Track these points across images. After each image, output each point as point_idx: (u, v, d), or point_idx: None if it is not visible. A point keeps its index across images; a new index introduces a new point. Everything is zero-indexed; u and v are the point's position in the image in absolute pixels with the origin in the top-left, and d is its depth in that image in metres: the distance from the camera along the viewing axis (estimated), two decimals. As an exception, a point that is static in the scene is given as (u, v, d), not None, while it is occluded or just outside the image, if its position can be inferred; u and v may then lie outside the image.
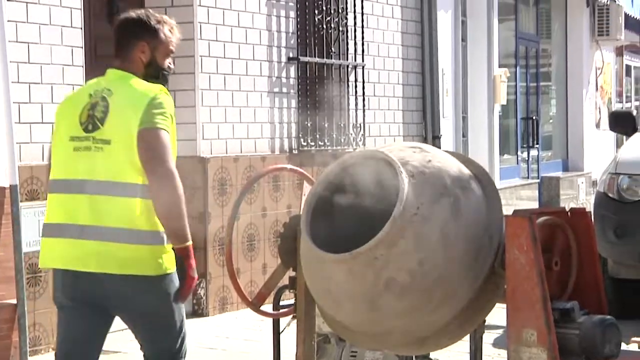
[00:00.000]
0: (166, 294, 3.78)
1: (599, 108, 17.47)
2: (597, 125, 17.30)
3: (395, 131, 10.20)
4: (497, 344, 6.63)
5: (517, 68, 14.98)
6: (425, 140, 10.52)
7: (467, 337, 3.77)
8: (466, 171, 3.57)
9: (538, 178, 15.06)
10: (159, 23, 3.99)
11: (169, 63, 4.03)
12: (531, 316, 3.30)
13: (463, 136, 12.57)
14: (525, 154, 15.19)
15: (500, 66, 13.46)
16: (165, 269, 3.76)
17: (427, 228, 3.26)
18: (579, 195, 15.38)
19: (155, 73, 3.98)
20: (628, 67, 20.19)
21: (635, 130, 8.53)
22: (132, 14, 4.04)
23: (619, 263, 7.58)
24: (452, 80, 11.79)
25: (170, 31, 4.01)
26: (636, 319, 7.52)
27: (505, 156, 14.53)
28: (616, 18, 16.68)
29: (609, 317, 3.42)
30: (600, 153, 16.67)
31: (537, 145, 15.43)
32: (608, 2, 16.75)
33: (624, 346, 4.34)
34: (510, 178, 14.41)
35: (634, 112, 9.35)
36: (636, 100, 21.04)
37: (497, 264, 3.48)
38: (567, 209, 3.69)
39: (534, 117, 15.36)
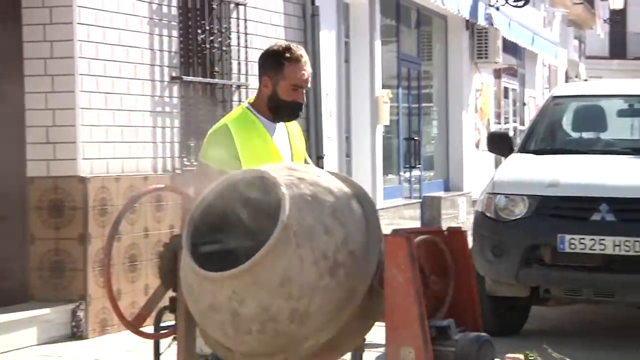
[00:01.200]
0: None
1: (479, 129, 17.86)
2: (477, 146, 17.68)
3: (279, 151, 10.22)
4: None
5: (400, 89, 15.21)
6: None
7: (348, 356, 3.80)
8: (346, 191, 3.60)
9: (420, 198, 15.29)
10: (286, 58, 4.15)
11: (296, 97, 4.18)
12: (409, 334, 3.35)
13: (347, 156, 12.69)
14: (407, 174, 15.41)
15: (383, 87, 13.65)
16: None
17: (305, 250, 3.28)
18: (459, 215, 15.67)
19: (276, 106, 4.19)
20: (506, 89, 20.68)
21: (511, 151, 8.74)
22: (271, 46, 4.27)
23: (496, 281, 7.74)
24: (335, 101, 11.90)
25: (296, 66, 4.15)
26: (512, 336, 7.70)
27: (389, 176, 14.72)
28: (494, 41, 17.11)
29: (484, 334, 3.49)
30: (480, 173, 17.03)
31: (419, 165, 15.68)
32: (487, 26, 17.17)
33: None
34: (393, 198, 14.60)
35: (511, 134, 9.60)
36: (514, 121, 21.56)
37: (376, 282, 3.52)
38: (446, 229, 3.76)
39: (416, 138, 15.61)
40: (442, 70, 17.15)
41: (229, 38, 9.41)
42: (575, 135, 9.43)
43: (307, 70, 4.20)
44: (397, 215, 14.06)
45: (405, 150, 15.42)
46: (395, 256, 3.39)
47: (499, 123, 19.96)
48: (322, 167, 9.85)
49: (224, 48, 9.36)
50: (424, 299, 3.39)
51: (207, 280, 3.31)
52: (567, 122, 9.53)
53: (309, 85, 4.28)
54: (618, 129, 9.53)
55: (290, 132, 4.34)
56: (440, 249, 3.61)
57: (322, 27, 11.01)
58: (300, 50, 4.22)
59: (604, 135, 9.18)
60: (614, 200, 7.46)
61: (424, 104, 16.61)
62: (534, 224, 7.60)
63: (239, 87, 9.54)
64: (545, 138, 9.11)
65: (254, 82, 9.73)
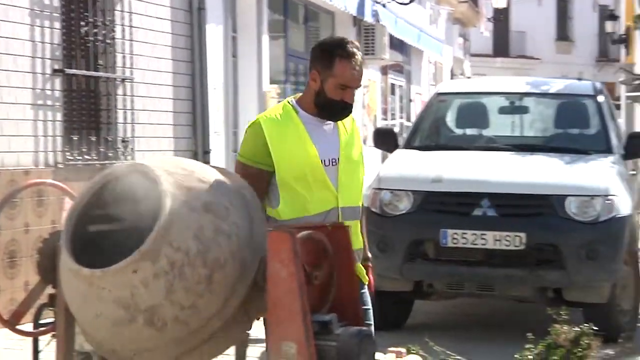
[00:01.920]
0: None
1: (366, 125, 18.01)
2: (364, 142, 17.82)
3: (165, 146, 10.13)
4: (263, 358, 6.68)
5: (288, 85, 15.21)
6: (195, 155, 10.50)
7: (232, 352, 3.78)
8: (231, 187, 3.59)
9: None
10: (338, 54, 3.95)
11: (344, 96, 3.98)
12: (291, 329, 3.35)
13: (234, 151, 12.64)
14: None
15: (271, 83, 13.63)
16: None
17: (184, 248, 3.25)
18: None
19: (322, 104, 4.01)
20: (393, 86, 20.90)
21: (396, 146, 8.84)
22: (325, 38, 4.17)
23: (380, 276, 7.80)
24: (223, 96, 11.83)
25: (347, 64, 3.95)
26: (395, 330, 7.80)
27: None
28: (381, 38, 17.26)
29: (365, 328, 3.52)
30: (367, 169, 17.15)
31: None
32: (373, 23, 17.31)
33: (382, 356, 4.49)
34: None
35: (396, 130, 9.71)
36: (401, 117, 21.80)
37: (259, 278, 3.51)
38: (329, 224, 3.78)
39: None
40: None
41: (113, 31, 9.27)
42: (458, 131, 9.60)
43: (359, 70, 3.97)
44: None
45: (293, 146, 15.42)
46: (278, 251, 3.39)
47: (386, 119, 20.16)
48: (209, 162, 9.80)
49: (108, 41, 9.21)
50: (306, 294, 3.40)
51: (82, 276, 3.26)
52: (450, 119, 9.69)
53: (360, 84, 4.03)
54: (500, 125, 9.73)
55: (341, 132, 4.11)
56: (322, 244, 3.63)
57: (208, 21, 10.94)
58: (354, 48, 3.99)
59: (486, 132, 9.36)
60: (495, 195, 7.61)
61: (312, 100, 16.65)
62: (417, 219, 7.71)
63: (123, 80, 9.41)
64: (430, 134, 9.25)
65: (138, 75, 9.63)
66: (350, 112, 4.08)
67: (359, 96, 17.55)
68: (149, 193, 3.37)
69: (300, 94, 4.13)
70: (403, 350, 4.84)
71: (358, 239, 4.16)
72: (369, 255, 4.25)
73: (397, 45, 19.87)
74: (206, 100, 10.87)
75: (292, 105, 4.05)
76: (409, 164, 8.30)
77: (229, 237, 3.40)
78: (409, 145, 8.90)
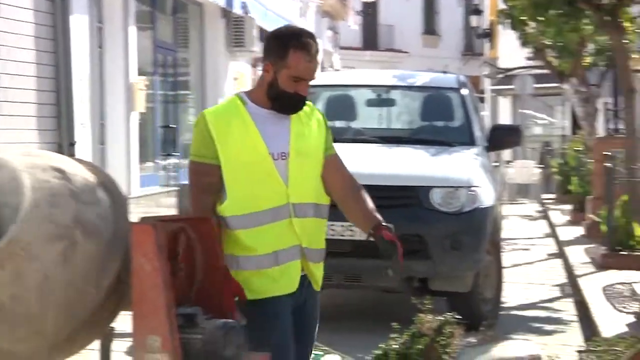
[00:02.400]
0: None
1: (235, 117, 17.95)
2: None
3: (30, 138, 9.90)
4: (130, 352, 6.60)
5: (156, 76, 15.06)
6: (60, 148, 10.30)
7: (97, 346, 3.74)
8: (93, 179, 3.54)
9: (177, 186, 15.21)
10: (292, 45, 3.80)
11: (298, 89, 3.81)
12: (156, 323, 3.33)
13: (101, 144, 12.45)
14: (164, 162, 15.29)
15: (139, 74, 13.47)
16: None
17: (42, 241, 3.20)
18: (216, 202, 15.72)
19: (275, 96, 3.84)
20: (263, 78, 20.91)
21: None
22: (279, 27, 3.95)
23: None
24: (89, 87, 11.63)
25: (302, 55, 3.79)
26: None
27: (145, 164, 14.56)
28: (250, 30, 17.24)
29: (231, 320, 3.52)
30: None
31: (176, 153, 15.60)
32: (242, 15, 17.28)
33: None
34: (150, 185, 14.45)
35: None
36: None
37: (123, 272, 3.47)
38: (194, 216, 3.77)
39: (172, 125, 15.53)
40: (198, 58, 17.12)
41: (-26, 20, 9.01)
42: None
43: (314, 61, 3.81)
44: (154, 204, 13.93)
45: (162, 138, 15.30)
46: (142, 245, 3.36)
47: (256, 111, 20.14)
48: (74, 155, 9.63)
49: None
50: (172, 287, 3.38)
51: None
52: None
53: (314, 77, 3.85)
54: (367, 118, 9.83)
55: (294, 124, 3.90)
56: (187, 236, 3.61)
57: (73, 11, 10.72)
58: (309, 38, 3.83)
59: (353, 124, 9.45)
60: (364, 188, 7.68)
61: (180, 92, 16.54)
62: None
63: (-16, 71, 9.16)
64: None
65: (1, 65, 9.37)
66: (304, 104, 3.90)
67: (229, 88, 17.50)
68: (8, 187, 3.30)
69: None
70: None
71: (319, 238, 4.06)
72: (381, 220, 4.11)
73: (267, 37, 19.85)
74: (71, 92, 10.66)
75: (240, 98, 3.90)
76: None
77: (92, 231, 3.35)
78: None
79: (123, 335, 4.10)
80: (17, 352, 3.28)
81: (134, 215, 3.69)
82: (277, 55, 3.80)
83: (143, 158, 14.22)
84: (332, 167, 4.03)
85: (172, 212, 13.91)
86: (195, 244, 3.63)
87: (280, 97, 3.82)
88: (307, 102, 3.95)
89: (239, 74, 18.17)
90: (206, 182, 3.81)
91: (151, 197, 14.00)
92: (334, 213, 7.55)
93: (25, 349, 3.28)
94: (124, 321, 3.61)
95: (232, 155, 3.80)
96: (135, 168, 13.37)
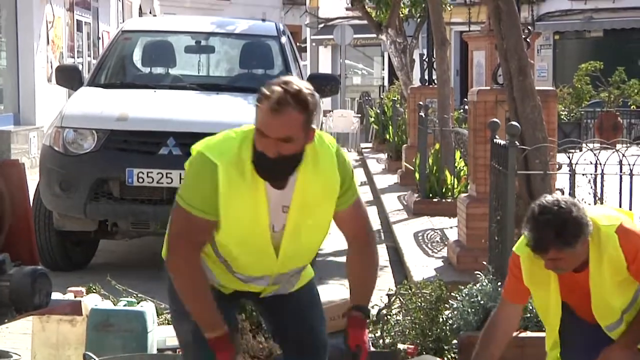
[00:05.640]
0: None
1: (51, 62, 17.47)
2: (49, 80, 17.29)
3: None
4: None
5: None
6: None
7: None
8: None
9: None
10: (263, 99, 3.18)
11: (266, 150, 3.14)
12: (-40, 271, 3.24)
13: None
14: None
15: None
16: None
17: None
18: (30, 150, 15.30)
19: (253, 156, 3.22)
20: (79, 22, 20.36)
21: (81, 84, 8.65)
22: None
23: (64, 216, 7.68)
24: None
25: (265, 112, 3.15)
26: (78, 270, 7.71)
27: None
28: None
29: (40, 267, 3.46)
30: (53, 107, 16.69)
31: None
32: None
33: (59, 296, 4.42)
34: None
35: (80, 67, 9.49)
36: (88, 56, 21.30)
37: None
38: (0, 161, 3.66)
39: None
40: (11, 1, 16.50)
41: None
42: (145, 70, 9.52)
43: (283, 119, 3.12)
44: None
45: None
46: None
47: (73, 57, 19.63)
48: None
49: None
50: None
51: None
52: (137, 57, 9.59)
53: (282, 136, 3.13)
54: (186, 65, 9.76)
55: (297, 190, 3.23)
56: (-6, 182, 3.51)
57: None
58: (290, 94, 3.14)
59: (172, 71, 9.36)
60: (180, 134, 7.64)
61: (-8, 35, 15.93)
62: (102, 158, 7.61)
63: None
64: (116, 72, 9.11)
65: None
66: (288, 172, 3.19)
67: (43, 32, 16.97)
68: None
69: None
70: (83, 289, 4.79)
71: (302, 279, 3.56)
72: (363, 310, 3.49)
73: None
74: None
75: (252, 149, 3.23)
76: (93, 102, 8.15)
77: None
78: (93, 82, 8.73)
79: None
80: None
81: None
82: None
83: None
84: (347, 218, 3.41)
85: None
86: (3, 189, 3.53)
87: (255, 158, 3.22)
88: (327, 142, 3.32)
89: (54, 17, 17.63)
90: (201, 241, 3.29)
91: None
92: (152, 161, 7.54)
93: None
94: None
95: (231, 222, 3.24)
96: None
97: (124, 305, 4.77)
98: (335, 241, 9.53)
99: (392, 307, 5.21)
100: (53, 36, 17.66)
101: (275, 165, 3.14)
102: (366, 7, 17.75)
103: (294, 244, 3.30)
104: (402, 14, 17.85)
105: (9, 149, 14.60)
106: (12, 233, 3.55)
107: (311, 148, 3.22)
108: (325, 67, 33.82)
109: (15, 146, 14.85)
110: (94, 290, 5.06)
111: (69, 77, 8.87)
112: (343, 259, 8.86)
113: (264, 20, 10.35)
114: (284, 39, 9.36)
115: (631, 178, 5.73)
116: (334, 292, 5.38)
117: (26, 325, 4.46)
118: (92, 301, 4.72)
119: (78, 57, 20.18)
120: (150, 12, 27.32)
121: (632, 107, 21.41)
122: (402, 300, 5.25)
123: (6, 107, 16.40)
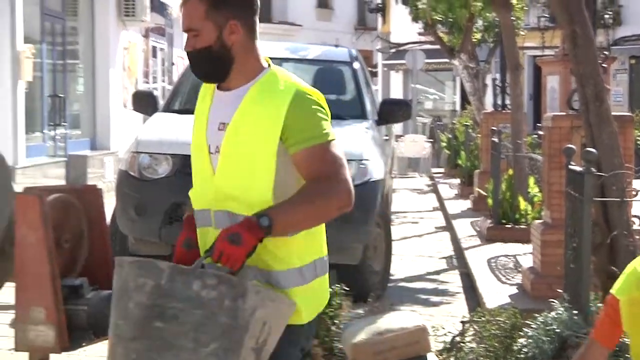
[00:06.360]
0: None
1: (127, 88, 17.74)
2: (125, 105, 17.57)
3: None
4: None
5: (44, 45, 14.75)
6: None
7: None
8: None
9: (66, 156, 14.99)
10: None
11: (185, 47, 3.09)
12: (39, 294, 3.29)
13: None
14: (52, 132, 15.03)
15: (25, 42, 13.17)
16: None
17: None
18: (105, 174, 15.53)
19: None
20: (154, 48, 20.67)
21: (156, 110, 8.75)
22: None
23: (139, 240, 7.76)
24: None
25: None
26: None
27: (33, 134, 14.28)
28: (141, 0, 17.02)
29: (116, 291, 3.49)
30: (128, 132, 16.95)
31: (65, 124, 15.34)
32: (134, -16, 17.04)
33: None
34: (37, 156, 14.20)
35: (155, 93, 9.60)
36: (162, 81, 21.60)
37: (7, 243, 3.42)
38: (80, 186, 3.71)
39: (61, 95, 15.25)
40: (88, 27, 16.81)
41: None
42: (218, 95, 9.60)
43: (185, 9, 3.07)
44: (42, 174, 13.69)
45: (50, 108, 15.02)
46: (26, 215, 3.31)
47: (148, 82, 19.93)
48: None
49: None
50: (56, 258, 3.33)
51: None
52: (210, 83, 9.67)
53: (186, 28, 3.06)
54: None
55: (240, 108, 3.04)
56: (74, 207, 3.56)
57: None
58: None
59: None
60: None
61: (69, 61, 16.22)
62: (176, 182, 7.67)
63: None
64: (189, 98, 9.20)
65: None
66: (208, 69, 3.09)
67: (119, 58, 17.25)
68: None
69: None
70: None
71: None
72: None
73: (159, 7, 19.64)
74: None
75: None
76: (168, 128, 8.24)
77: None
78: (168, 108, 8.83)
79: (6, 308, 4.04)
80: None
81: (20, 186, 3.63)
82: None
83: (30, 128, 13.95)
84: (298, 163, 3.05)
85: (61, 183, 13.72)
86: (82, 214, 3.58)
87: None
88: (283, 82, 3.10)
89: (130, 43, 17.92)
90: None
91: (38, 168, 13.75)
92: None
93: None
94: (7, 293, 3.55)
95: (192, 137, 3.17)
96: (21, 138, 13.11)
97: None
98: (406, 267, 9.53)
99: (466, 335, 5.16)
100: (129, 62, 17.95)
101: (193, 60, 3.09)
102: (438, 32, 17.73)
103: (227, 172, 3.04)
104: (475, 38, 17.80)
105: (85, 174, 14.84)
106: (90, 257, 3.59)
107: (268, 77, 3.08)
108: (396, 92, 33.82)
109: (91, 170, 15.10)
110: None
111: (144, 103, 8.98)
112: (415, 284, 8.88)
113: (337, 45, 10.38)
114: (356, 65, 9.37)
115: None
116: (407, 318, 5.34)
117: (103, 349, 4.52)
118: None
119: (153, 83, 20.48)
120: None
121: None
122: (475, 327, 5.20)
123: (83, 132, 16.68)
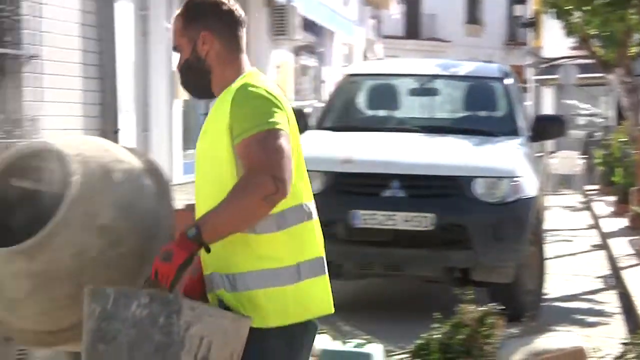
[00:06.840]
0: None
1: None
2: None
3: (73, 124, 9.98)
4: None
5: (199, 64, 15.11)
6: (104, 134, 10.36)
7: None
8: (138, 165, 3.56)
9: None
10: None
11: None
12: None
13: (144, 130, 12.52)
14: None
15: (181, 61, 13.53)
16: None
17: (90, 225, 3.21)
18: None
19: None
20: (305, 66, 20.93)
21: (307, 127, 8.85)
22: None
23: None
24: (133, 74, 11.71)
25: None
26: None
27: (189, 151, 14.63)
28: (292, 19, 17.24)
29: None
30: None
31: (218, 141, 15.67)
32: (285, 3, 17.29)
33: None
34: (194, 173, 14.52)
35: (310, 110, 9.71)
36: (313, 98, 21.85)
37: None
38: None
39: (214, 113, 15.59)
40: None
41: (20, 7, 9.08)
42: (369, 113, 9.65)
43: (172, 33, 3.23)
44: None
45: (204, 126, 15.36)
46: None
47: (299, 100, 20.19)
48: (118, 142, 9.69)
49: (15, 17, 9.02)
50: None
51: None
52: (361, 100, 9.74)
53: (174, 45, 3.20)
54: (410, 107, 9.81)
55: (211, 111, 3.17)
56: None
57: (118, -1, 10.80)
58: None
59: (396, 114, 9.44)
60: (405, 176, 7.68)
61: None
62: (328, 200, 7.72)
63: (30, 57, 9.23)
64: (341, 115, 9.28)
65: (46, 53, 9.46)
66: (191, 84, 3.19)
67: (271, 76, 17.51)
68: (58, 173, 3.33)
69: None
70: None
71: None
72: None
73: (309, 26, 19.88)
74: (115, 79, 10.73)
75: None
76: (320, 145, 8.32)
77: (134, 217, 3.36)
78: (319, 126, 8.92)
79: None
80: (29, 330, 3.29)
81: (177, 203, 3.70)
82: None
83: (186, 145, 14.29)
84: (238, 154, 3.02)
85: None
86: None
87: None
88: (240, 81, 3.08)
89: (281, 62, 18.19)
90: None
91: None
92: (376, 202, 7.60)
93: (36, 329, 3.28)
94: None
95: None
96: (178, 155, 13.44)
97: (354, 347, 4.80)
98: (561, 286, 9.33)
99: (627, 357, 5.01)
100: (280, 80, 18.22)
101: (180, 78, 3.19)
102: (593, 46, 17.35)
103: (200, 178, 3.19)
104: (632, 52, 17.34)
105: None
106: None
107: (236, 82, 3.07)
108: (548, 107, 33.24)
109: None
110: (323, 331, 5.13)
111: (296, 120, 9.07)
112: (570, 304, 8.67)
113: (488, 62, 10.28)
114: (508, 81, 9.27)
115: None
116: (564, 339, 5.22)
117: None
118: (322, 342, 4.78)
119: (303, 101, 20.73)
120: (373, 56, 27.71)
121: None
122: (636, 349, 5.04)
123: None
